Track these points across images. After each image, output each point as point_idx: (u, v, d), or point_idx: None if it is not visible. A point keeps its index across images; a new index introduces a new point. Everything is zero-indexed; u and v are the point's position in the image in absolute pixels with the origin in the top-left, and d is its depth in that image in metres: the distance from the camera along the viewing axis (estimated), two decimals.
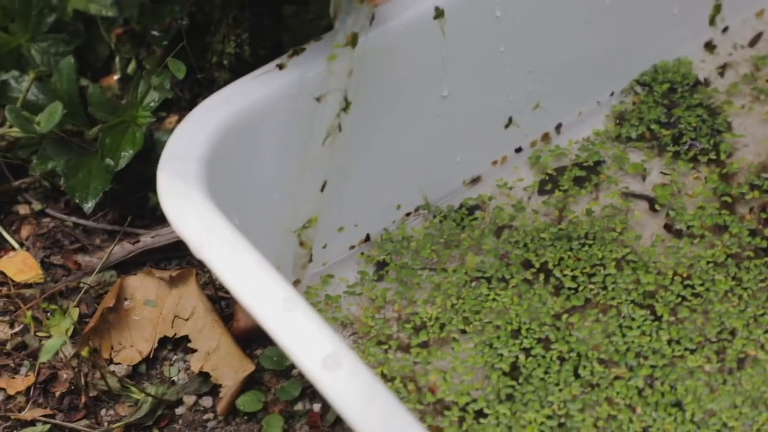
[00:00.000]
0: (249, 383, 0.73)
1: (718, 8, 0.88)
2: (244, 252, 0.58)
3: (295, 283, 0.72)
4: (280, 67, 0.68)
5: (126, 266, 0.82)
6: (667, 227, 0.76)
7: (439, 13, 0.72)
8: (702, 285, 0.72)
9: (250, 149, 0.67)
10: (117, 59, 0.95)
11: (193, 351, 0.75)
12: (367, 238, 0.77)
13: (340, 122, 0.66)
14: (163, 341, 0.76)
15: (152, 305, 0.78)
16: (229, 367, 0.73)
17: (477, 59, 0.76)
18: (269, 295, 0.56)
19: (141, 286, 0.78)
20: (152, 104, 0.83)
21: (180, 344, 0.76)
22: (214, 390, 0.73)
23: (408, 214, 0.79)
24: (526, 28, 0.77)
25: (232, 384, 0.73)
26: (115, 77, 0.94)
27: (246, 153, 0.67)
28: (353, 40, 0.64)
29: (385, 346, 0.71)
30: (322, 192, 0.69)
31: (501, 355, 0.69)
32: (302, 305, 0.56)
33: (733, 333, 0.70)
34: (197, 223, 0.59)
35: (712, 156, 0.80)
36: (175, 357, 0.76)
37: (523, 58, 0.78)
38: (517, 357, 0.69)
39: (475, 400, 0.67)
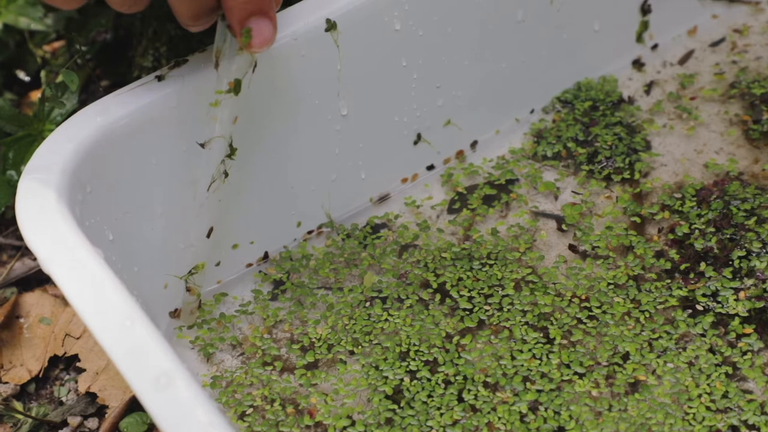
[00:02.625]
0: (135, 404, 0.71)
1: (645, 25, 0.86)
2: (89, 266, 0.56)
3: (199, 344, 0.70)
4: (159, 78, 0.67)
5: (28, 283, 0.80)
6: (572, 248, 0.74)
7: (330, 26, 0.70)
8: (599, 307, 0.70)
9: (125, 162, 0.66)
10: (42, 73, 0.94)
11: (83, 370, 0.74)
12: (266, 256, 0.75)
13: (226, 168, 0.65)
14: (56, 360, 0.75)
15: (47, 323, 0.76)
16: (117, 388, 0.72)
17: (377, 74, 0.74)
18: (107, 310, 0.54)
19: (37, 303, 0.77)
20: (58, 118, 0.82)
21: (72, 363, 0.75)
22: (101, 411, 0.72)
23: (310, 232, 0.77)
24: (430, 41, 0.75)
25: (117, 405, 0.71)
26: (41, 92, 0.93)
27: (121, 167, 0.66)
28: (236, 87, 0.63)
29: (270, 367, 0.69)
30: (208, 238, 0.67)
31: (386, 377, 0.67)
32: (142, 322, 0.54)
33: (625, 357, 0.67)
34: (46, 236, 0.57)
35: (626, 175, 0.78)
36: (67, 377, 0.74)
37: (429, 73, 0.76)
38: (402, 380, 0.67)
39: (353, 424, 0.65)
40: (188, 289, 0.69)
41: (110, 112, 0.65)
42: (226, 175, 0.66)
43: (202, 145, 0.65)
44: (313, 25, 0.70)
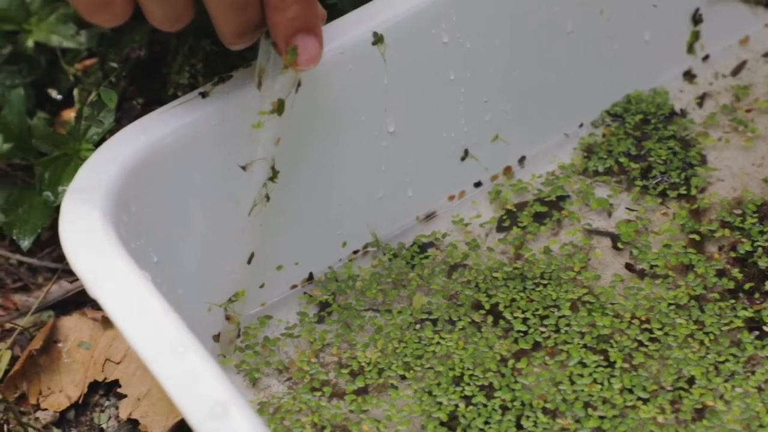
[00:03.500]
0: (180, 430, 0.69)
1: (696, 35, 0.84)
2: (137, 289, 0.54)
3: (245, 370, 0.69)
4: (203, 95, 0.65)
5: (65, 306, 0.79)
6: (629, 267, 0.72)
7: (377, 39, 0.69)
8: (661, 329, 0.68)
9: (168, 182, 0.64)
10: (75, 91, 0.93)
11: (124, 396, 0.72)
12: (311, 277, 0.74)
13: (268, 192, 0.63)
14: (95, 386, 0.73)
15: (86, 347, 0.74)
16: (160, 414, 0.70)
17: (425, 88, 0.72)
18: (158, 336, 0.52)
19: (75, 327, 0.75)
20: (95, 137, 0.80)
21: (112, 389, 0.73)
22: None
23: (356, 252, 0.75)
24: (478, 54, 0.73)
25: (160, 431, 0.69)
26: (76, 110, 0.92)
27: (164, 186, 0.64)
28: (279, 108, 0.61)
29: (319, 393, 0.67)
30: (249, 264, 0.65)
31: (440, 403, 0.65)
32: (195, 348, 0.52)
33: (690, 381, 0.65)
34: (92, 258, 0.56)
35: (683, 191, 0.76)
36: (107, 402, 0.73)
37: (477, 87, 0.75)
38: (456, 405, 0.65)
39: None
40: (227, 318, 0.68)
41: (153, 131, 0.64)
42: (268, 198, 0.65)
43: (244, 168, 0.63)
44: (360, 38, 0.68)
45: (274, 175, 0.64)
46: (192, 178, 0.65)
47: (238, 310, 0.68)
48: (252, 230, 0.65)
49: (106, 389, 0.73)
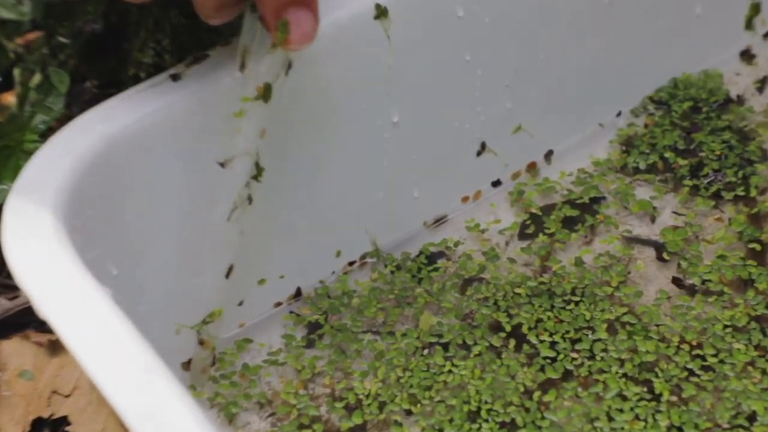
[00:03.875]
0: None
1: (756, 8, 0.85)
2: (96, 308, 0.54)
3: (219, 404, 0.69)
4: (175, 77, 0.66)
5: (4, 328, 0.79)
6: (677, 281, 0.73)
7: (380, 12, 0.69)
8: (715, 356, 0.68)
9: (132, 181, 0.64)
10: (16, 71, 0.93)
11: None
12: (298, 293, 0.74)
13: (251, 193, 0.64)
14: (40, 423, 0.73)
15: (28, 377, 0.75)
16: None
17: (435, 70, 0.73)
18: (121, 364, 0.52)
19: (16, 353, 0.76)
20: (41, 126, 0.80)
21: (60, 427, 0.73)
22: None
23: (352, 264, 0.75)
24: (499, 31, 0.74)
25: None
26: (15, 93, 0.92)
27: (127, 185, 0.64)
28: (265, 93, 0.61)
29: (309, 431, 0.67)
30: (227, 278, 0.65)
31: None
32: (165, 379, 0.52)
33: (751, 418, 0.66)
34: (41, 270, 0.56)
35: (740, 192, 0.77)
36: None
37: (497, 69, 0.75)
38: None
39: None
40: (201, 342, 0.68)
41: (114, 119, 0.64)
42: (251, 200, 0.65)
43: (222, 165, 0.63)
44: (360, 12, 0.69)
45: (258, 173, 0.65)
46: (160, 176, 0.65)
47: (214, 333, 0.68)
48: (231, 238, 0.65)
49: (52, 427, 0.73)
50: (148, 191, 0.65)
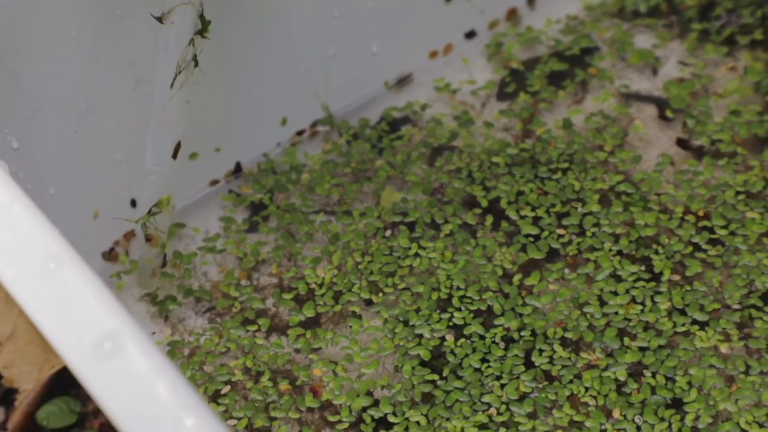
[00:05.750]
0: (57, 386, 0.70)
1: None
2: None
3: (150, 296, 0.70)
4: None
5: None
6: (682, 143, 0.73)
7: None
8: (725, 227, 0.69)
9: (31, 36, 0.64)
10: None
11: None
12: (238, 169, 0.75)
13: (196, 53, 0.63)
14: None
15: None
16: (30, 363, 0.71)
17: None
18: (20, 248, 0.52)
19: None
20: None
21: None
22: (8, 397, 0.71)
23: (300, 133, 0.76)
24: None
25: (31, 387, 0.70)
26: None
27: (25, 43, 0.64)
28: None
29: (254, 327, 0.68)
30: (175, 159, 0.65)
31: (420, 336, 0.66)
32: (73, 263, 0.53)
33: (766, 297, 0.66)
34: None
35: (758, 36, 0.77)
36: None
37: None
38: (443, 339, 0.66)
39: (376, 404, 0.64)
40: (148, 239, 0.68)
41: None
42: (197, 63, 0.64)
43: (160, 19, 0.63)
44: None
45: (204, 26, 0.64)
46: (66, 30, 0.65)
47: (162, 227, 0.68)
48: (176, 109, 0.64)
49: None
50: (52, 48, 0.65)
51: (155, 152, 0.65)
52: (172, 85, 0.64)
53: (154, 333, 0.69)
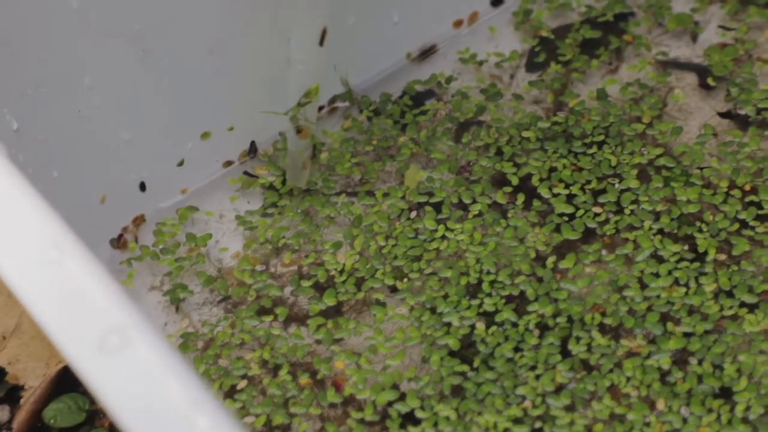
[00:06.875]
0: (65, 383, 0.70)
1: None
2: None
3: (294, 191, 0.70)
4: None
5: None
6: (725, 113, 0.72)
7: None
8: None
9: (31, 7, 0.63)
10: None
11: None
12: (253, 149, 0.74)
13: None
14: None
15: None
16: (36, 358, 0.71)
17: None
18: (20, 235, 0.51)
19: None
20: None
21: None
22: (13, 394, 0.71)
23: (319, 110, 0.74)
24: None
25: (37, 384, 0.70)
26: None
27: (24, 15, 0.63)
28: None
29: (270, 317, 0.67)
30: (322, 45, 0.66)
31: (448, 324, 0.65)
32: (76, 252, 0.51)
33: None
34: None
35: None
36: None
37: None
38: (473, 327, 0.65)
39: (402, 398, 0.63)
40: (298, 130, 0.68)
41: None
42: None
43: None
44: None
45: None
46: (71, 1, 0.64)
47: (311, 117, 0.68)
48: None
49: None
50: (54, 19, 0.64)
51: (301, 41, 0.66)
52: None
53: (165, 324, 0.68)
